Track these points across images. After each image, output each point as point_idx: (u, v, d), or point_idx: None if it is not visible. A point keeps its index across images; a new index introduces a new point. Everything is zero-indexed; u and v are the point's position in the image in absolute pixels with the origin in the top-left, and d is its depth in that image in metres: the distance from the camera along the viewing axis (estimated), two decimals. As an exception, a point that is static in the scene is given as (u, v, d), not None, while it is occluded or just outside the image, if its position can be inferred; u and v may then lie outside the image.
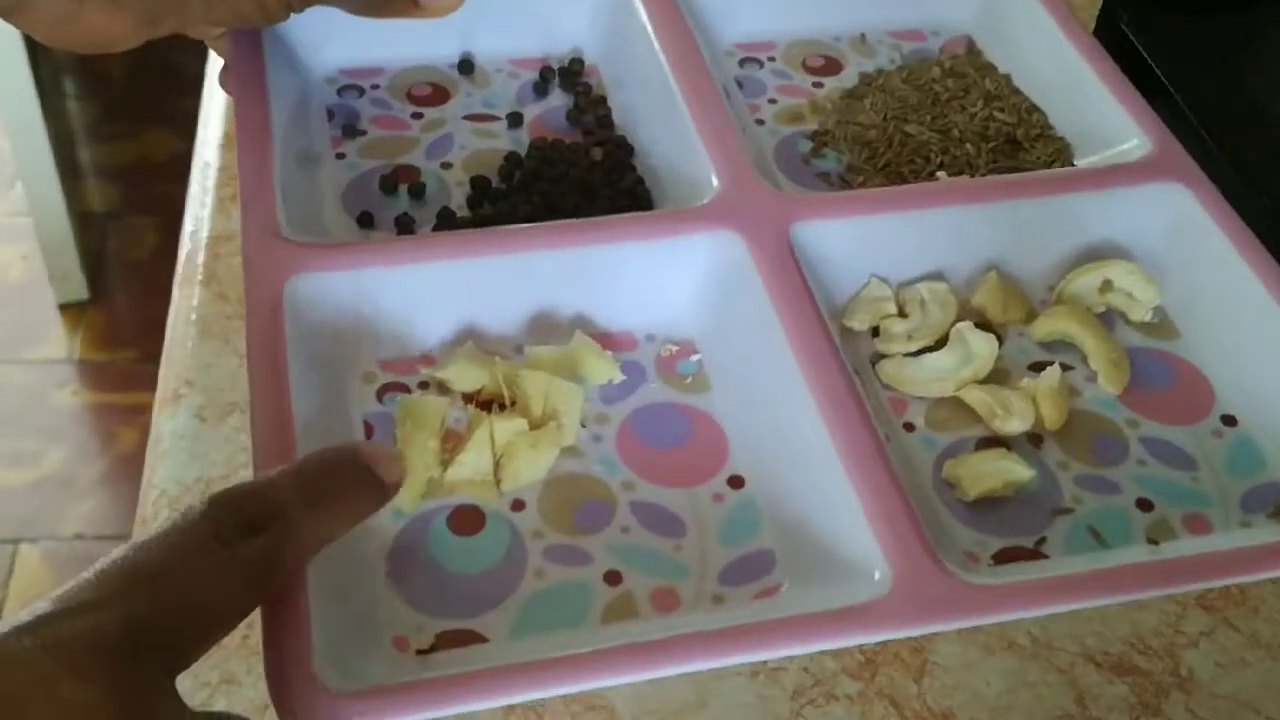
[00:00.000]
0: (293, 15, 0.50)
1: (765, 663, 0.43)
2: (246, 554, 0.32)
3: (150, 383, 0.52)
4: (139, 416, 1.44)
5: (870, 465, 0.40)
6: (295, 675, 0.34)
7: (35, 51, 1.29)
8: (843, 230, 0.48)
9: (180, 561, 0.31)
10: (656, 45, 0.55)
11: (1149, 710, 0.44)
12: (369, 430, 0.44)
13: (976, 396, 0.45)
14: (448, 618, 0.39)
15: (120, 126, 1.60)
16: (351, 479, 0.36)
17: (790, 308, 0.45)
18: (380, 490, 0.36)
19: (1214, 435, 0.46)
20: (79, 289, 1.45)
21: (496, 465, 0.42)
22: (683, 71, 0.53)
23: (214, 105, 0.57)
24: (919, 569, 0.38)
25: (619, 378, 0.45)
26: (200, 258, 0.52)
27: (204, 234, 0.53)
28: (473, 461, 0.42)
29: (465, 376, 0.44)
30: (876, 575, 0.38)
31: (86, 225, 1.48)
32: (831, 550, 0.40)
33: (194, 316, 0.51)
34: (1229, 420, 0.46)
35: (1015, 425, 0.44)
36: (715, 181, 0.49)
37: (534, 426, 0.43)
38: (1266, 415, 0.46)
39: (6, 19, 0.44)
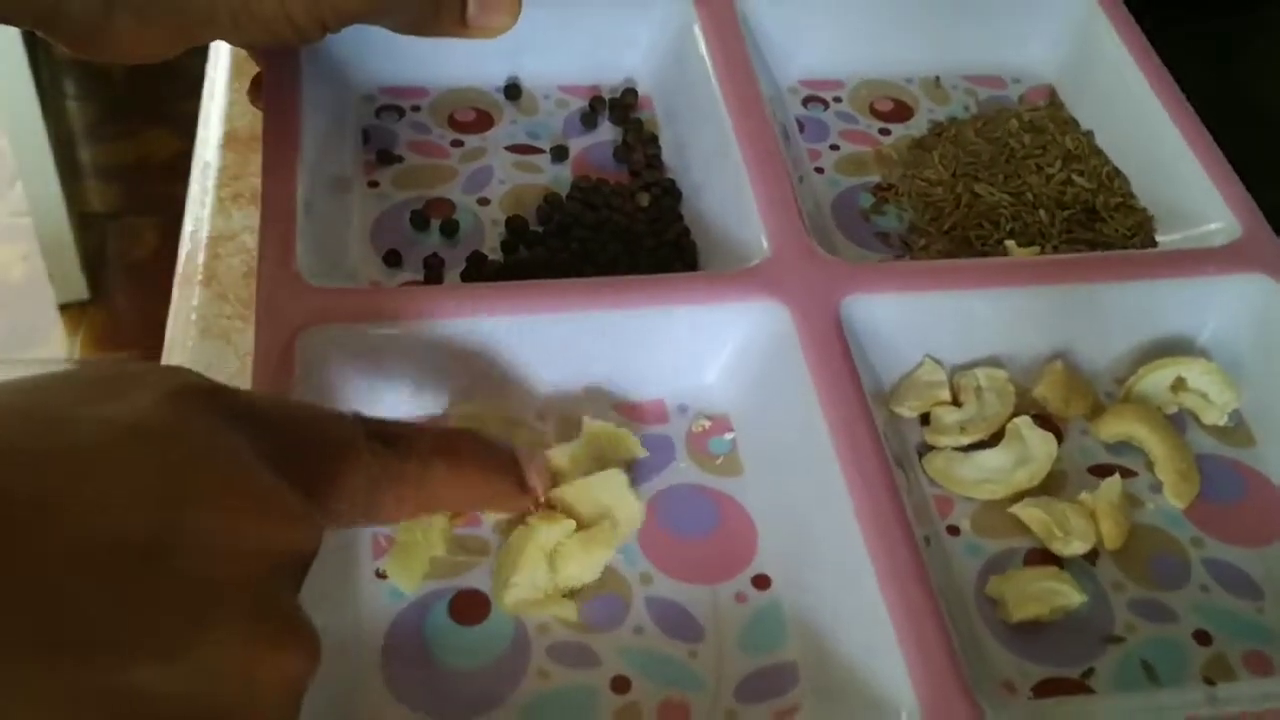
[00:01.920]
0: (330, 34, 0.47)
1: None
2: (374, 458, 0.31)
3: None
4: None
5: (904, 576, 0.37)
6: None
7: (35, 51, 1.28)
8: (898, 305, 0.45)
9: (314, 416, 0.31)
10: (714, 81, 0.52)
11: None
12: (375, 497, 0.41)
13: (1033, 514, 0.41)
14: (440, 716, 0.36)
15: (120, 126, 1.59)
16: (498, 466, 0.35)
17: (833, 391, 0.41)
18: (519, 492, 0.35)
19: (1287, 562, 0.42)
20: (79, 289, 1.44)
21: (555, 568, 0.39)
22: (740, 113, 0.50)
23: (214, 105, 0.55)
24: (950, 710, 0.35)
25: (642, 453, 0.42)
26: (200, 258, 0.50)
27: (204, 234, 0.51)
28: (528, 580, 0.39)
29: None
30: (904, 716, 0.35)
31: (86, 225, 1.47)
32: (858, 669, 0.37)
33: (194, 316, 0.49)
34: (1305, 545, 0.43)
35: (1076, 547, 0.41)
36: (765, 243, 0.46)
37: (583, 527, 0.40)
38: (1346, 544, 0.42)
39: (38, 30, 0.43)
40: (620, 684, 0.37)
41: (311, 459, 0.29)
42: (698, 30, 0.54)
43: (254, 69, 0.50)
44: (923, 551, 0.38)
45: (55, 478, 0.23)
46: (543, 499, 0.38)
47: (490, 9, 0.50)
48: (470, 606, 0.39)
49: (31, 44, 1.26)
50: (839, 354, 0.43)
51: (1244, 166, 0.51)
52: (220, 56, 0.57)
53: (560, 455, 0.41)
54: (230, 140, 0.55)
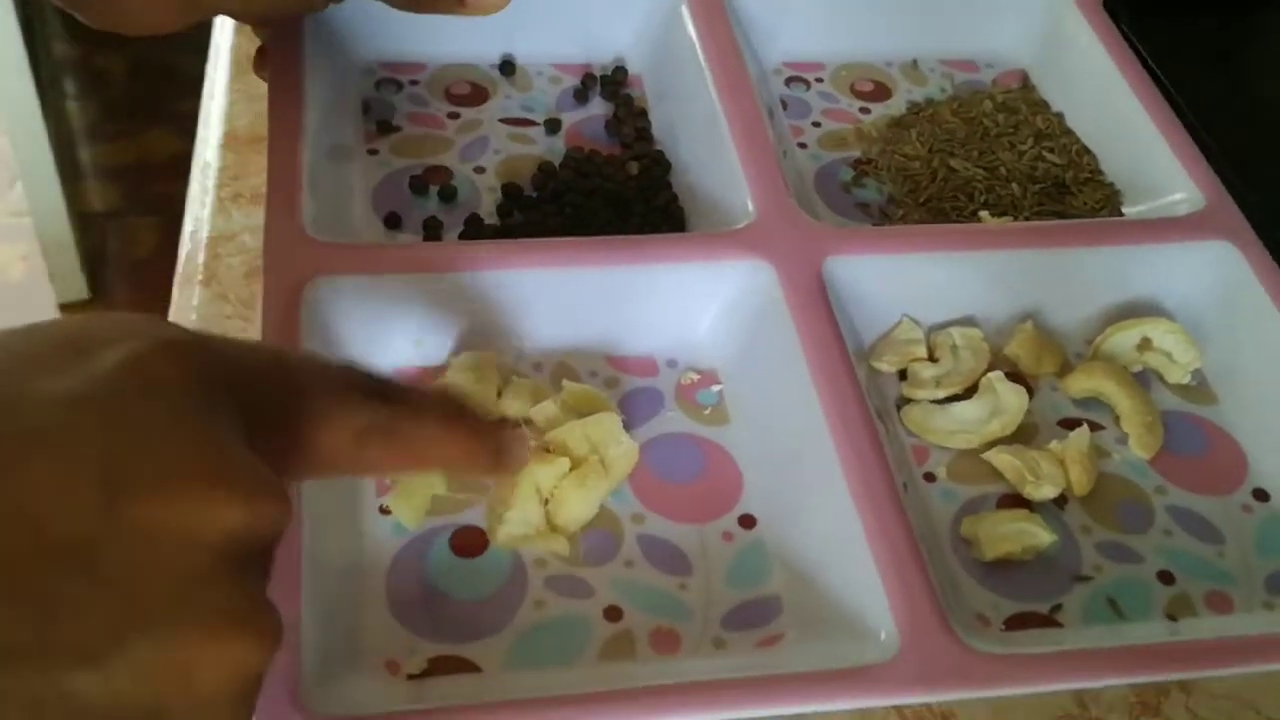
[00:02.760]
0: (334, 5, 0.49)
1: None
2: (363, 410, 0.29)
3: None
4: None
5: (886, 517, 0.39)
6: (282, 698, 0.33)
7: (35, 51, 1.28)
8: (877, 267, 0.47)
9: (300, 364, 0.29)
10: (702, 60, 0.54)
11: (1149, 710, 0.42)
12: (378, 440, 0.43)
13: (1005, 460, 0.43)
14: (442, 642, 0.38)
15: (120, 126, 1.58)
16: (483, 433, 0.32)
17: (817, 345, 0.43)
18: (498, 461, 0.32)
19: (1243, 510, 0.44)
20: (79, 289, 1.43)
21: (547, 511, 0.41)
22: (727, 89, 0.52)
23: (214, 105, 0.56)
24: (927, 633, 0.37)
25: (619, 415, 0.44)
26: (200, 258, 0.51)
27: (204, 234, 0.52)
28: (520, 517, 0.40)
29: (473, 396, 0.43)
30: (883, 635, 0.37)
31: (86, 225, 1.46)
32: (840, 601, 0.39)
33: (194, 316, 0.50)
34: (1261, 495, 0.45)
35: (1046, 491, 0.43)
36: (751, 207, 0.48)
37: (576, 465, 0.42)
38: (1301, 493, 0.44)
39: (64, 5, 0.44)
40: (613, 613, 0.39)
41: (294, 409, 0.28)
42: (685, 12, 0.56)
43: (253, 69, 0.52)
44: (901, 496, 0.40)
45: None
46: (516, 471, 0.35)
47: (487, -14, 0.52)
48: (470, 541, 0.41)
49: (31, 44, 1.26)
50: (822, 311, 0.45)
51: (1244, 166, 0.52)
52: (220, 56, 0.59)
53: (540, 412, 0.42)
54: (230, 140, 0.56)
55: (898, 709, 0.38)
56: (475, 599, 0.39)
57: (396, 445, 0.30)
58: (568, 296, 0.46)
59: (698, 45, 0.55)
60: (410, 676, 0.37)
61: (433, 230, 0.49)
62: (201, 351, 0.26)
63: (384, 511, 0.41)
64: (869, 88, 0.59)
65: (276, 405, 0.27)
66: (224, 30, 0.55)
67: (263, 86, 0.49)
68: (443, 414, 0.31)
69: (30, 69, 1.27)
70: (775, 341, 0.45)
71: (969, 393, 0.46)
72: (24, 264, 1.44)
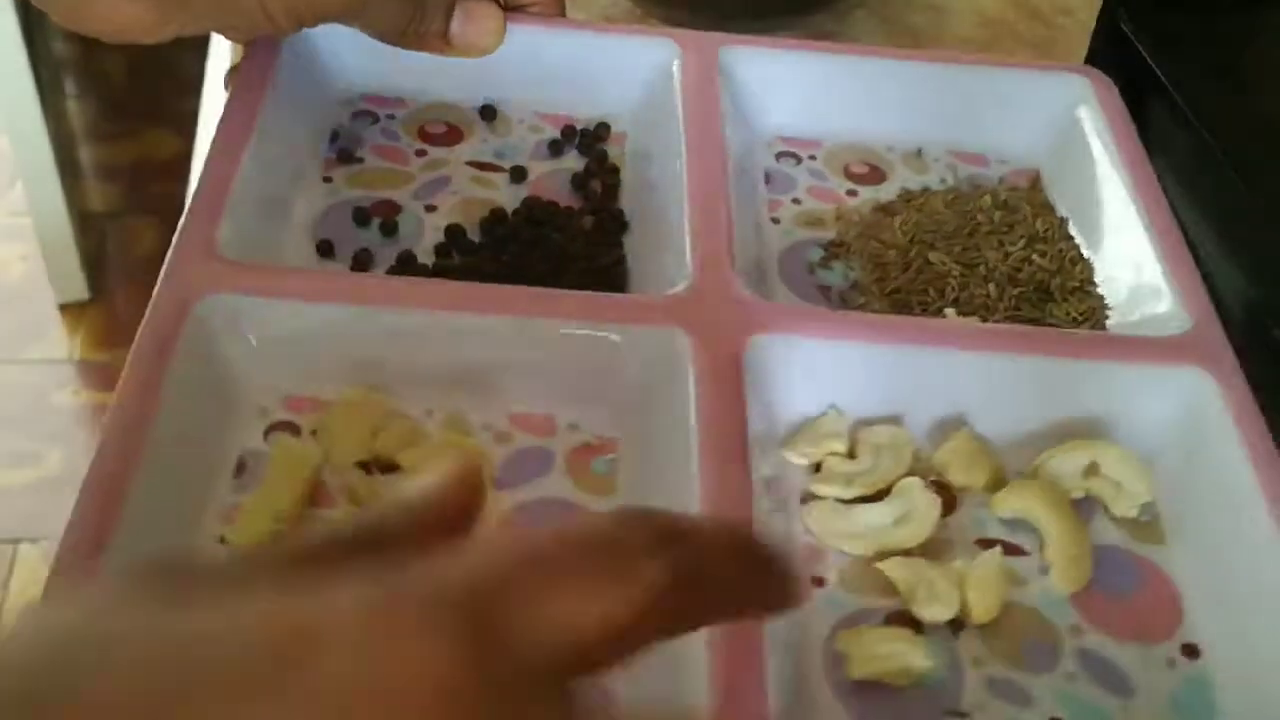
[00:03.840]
0: (323, 30, 0.49)
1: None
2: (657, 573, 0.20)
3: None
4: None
5: (737, 632, 0.36)
6: None
7: (35, 51, 1.29)
8: (808, 351, 0.44)
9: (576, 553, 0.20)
10: (681, 124, 0.52)
11: None
12: (241, 467, 0.41)
13: (898, 571, 0.40)
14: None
15: (120, 126, 1.62)
16: (776, 569, 0.24)
17: (712, 426, 0.41)
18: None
19: (1167, 664, 0.40)
20: (79, 289, 1.44)
21: None
22: (697, 156, 0.50)
23: (214, 105, 0.57)
24: (744, 746, 0.33)
25: (492, 473, 0.42)
26: None
27: None
28: None
29: (342, 433, 0.41)
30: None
31: (86, 225, 1.47)
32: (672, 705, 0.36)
33: None
34: (1190, 651, 0.40)
35: (936, 612, 0.39)
36: (688, 276, 0.45)
37: None
38: (1234, 658, 0.40)
39: None
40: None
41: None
42: (676, 74, 0.54)
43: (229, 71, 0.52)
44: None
45: None
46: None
47: (474, 29, 0.51)
48: (303, 582, 0.38)
49: (31, 44, 1.28)
50: (732, 390, 0.42)
51: (1244, 166, 0.50)
52: (220, 57, 0.59)
53: (408, 457, 0.40)
54: None
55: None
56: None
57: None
58: (470, 343, 0.44)
59: (680, 109, 0.53)
60: None
61: (361, 263, 0.48)
62: (477, 626, 0.18)
63: (220, 541, 0.39)
64: (864, 170, 0.56)
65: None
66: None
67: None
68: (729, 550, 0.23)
69: (30, 69, 1.29)
70: (675, 417, 0.42)
71: (882, 496, 0.42)
72: (24, 264, 1.47)
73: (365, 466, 0.42)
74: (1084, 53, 0.63)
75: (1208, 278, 0.51)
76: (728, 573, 0.23)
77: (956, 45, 0.72)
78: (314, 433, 0.42)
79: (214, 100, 0.57)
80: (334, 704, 0.15)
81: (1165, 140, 0.55)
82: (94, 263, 1.45)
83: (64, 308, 1.45)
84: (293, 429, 0.43)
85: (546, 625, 0.19)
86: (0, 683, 0.15)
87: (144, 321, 0.41)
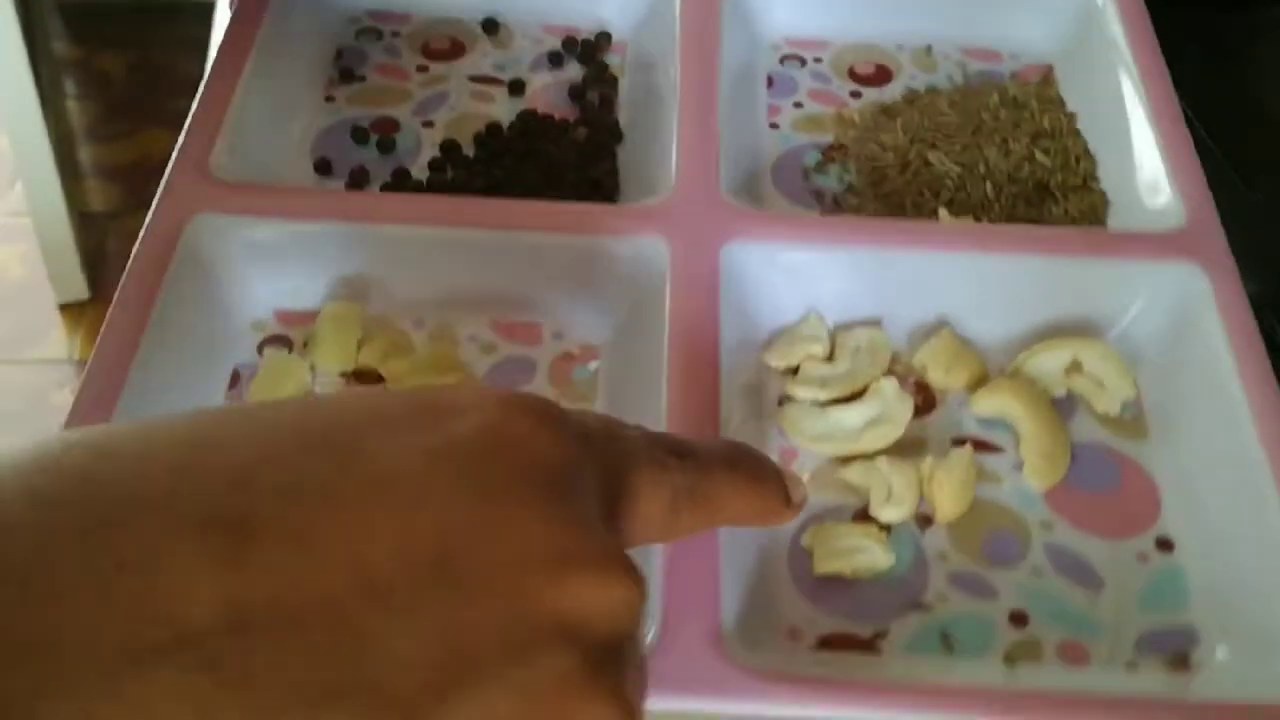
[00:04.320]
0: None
1: None
2: (673, 474, 0.26)
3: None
4: (135, 421, 1.46)
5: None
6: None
7: (35, 51, 1.27)
8: (784, 257, 0.44)
9: (620, 433, 0.26)
10: (678, 30, 0.52)
11: None
12: (234, 379, 0.43)
13: (855, 474, 0.40)
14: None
15: (120, 126, 1.59)
16: (766, 478, 0.29)
17: (685, 333, 0.41)
18: (784, 506, 0.30)
19: (1139, 558, 0.40)
20: (79, 289, 1.42)
21: None
22: (691, 61, 0.50)
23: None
24: (695, 641, 0.34)
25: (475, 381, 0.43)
26: None
27: None
28: None
29: (328, 346, 0.43)
30: (649, 633, 0.35)
31: (86, 225, 1.44)
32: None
33: None
34: (1164, 544, 0.40)
35: (891, 514, 0.39)
36: (672, 183, 0.46)
37: None
38: (1209, 550, 0.39)
39: None
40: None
41: (624, 482, 0.25)
42: (678, -21, 0.54)
43: None
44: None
45: (316, 510, 0.20)
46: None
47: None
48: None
49: (31, 44, 1.26)
50: (707, 297, 0.42)
51: (1244, 166, 0.50)
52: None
53: (390, 366, 0.42)
54: None
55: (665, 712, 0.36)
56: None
57: (701, 507, 0.27)
58: (457, 255, 0.45)
59: (678, 14, 0.52)
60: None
61: (357, 180, 0.49)
62: (562, 420, 0.24)
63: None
64: (870, 70, 0.55)
65: (613, 477, 0.25)
66: (224, 30, 0.57)
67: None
68: (727, 463, 0.28)
69: (30, 69, 1.27)
70: (651, 324, 0.43)
71: (859, 397, 0.43)
72: (24, 264, 1.47)
73: (354, 376, 0.43)
74: None
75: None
76: (729, 480, 0.28)
77: None
78: (305, 345, 0.44)
79: None
80: (469, 445, 0.22)
81: None
82: (94, 263, 1.45)
83: (64, 308, 1.44)
84: (285, 342, 0.44)
85: (629, 482, 0.25)
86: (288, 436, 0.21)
87: (139, 241, 0.43)
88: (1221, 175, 0.48)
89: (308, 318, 0.45)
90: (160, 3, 1.59)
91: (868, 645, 0.37)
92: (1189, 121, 0.49)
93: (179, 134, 0.46)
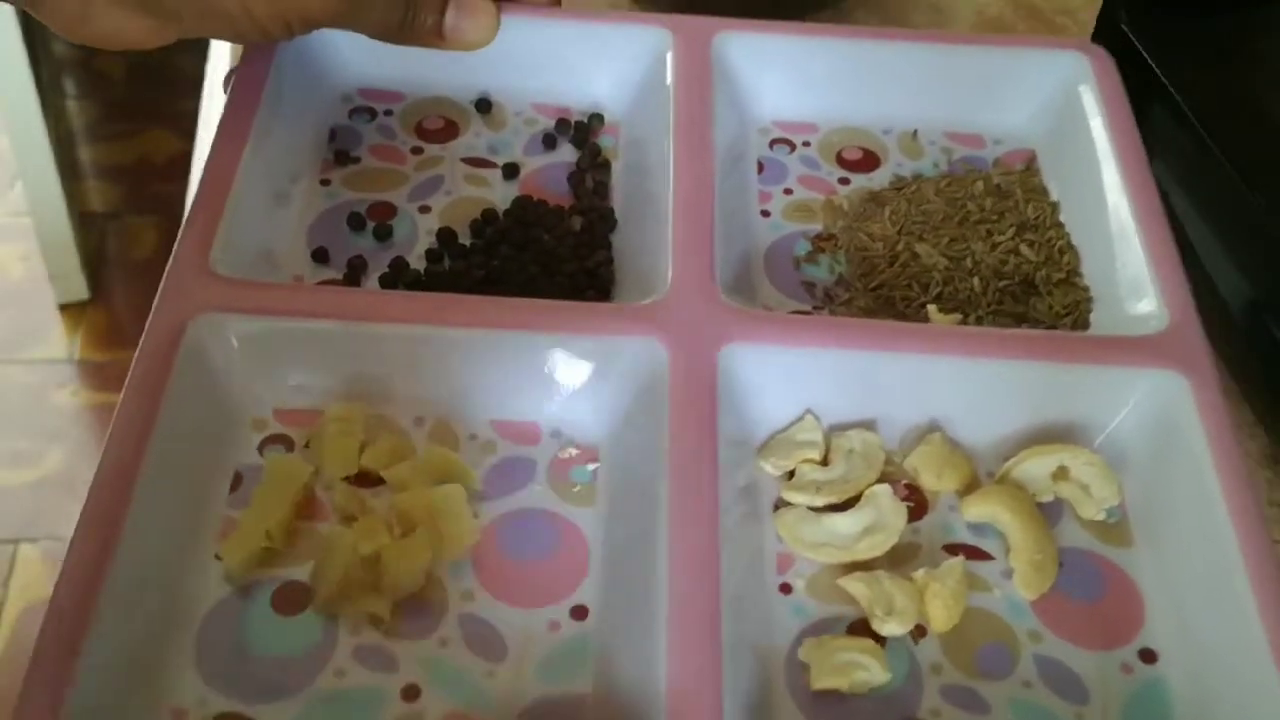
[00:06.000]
0: (313, 32, 0.50)
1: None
2: None
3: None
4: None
5: (697, 636, 0.38)
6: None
7: (35, 51, 1.28)
8: (780, 359, 0.45)
9: None
10: (671, 115, 0.53)
11: None
12: (237, 481, 0.43)
13: (859, 589, 0.41)
14: (234, 699, 0.38)
15: (120, 126, 1.60)
16: None
17: (684, 435, 0.42)
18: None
19: (1123, 670, 0.41)
20: (79, 289, 1.43)
21: (376, 573, 0.41)
22: (686, 149, 0.51)
23: (214, 105, 0.58)
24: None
25: (475, 484, 0.43)
26: None
27: None
28: (337, 579, 0.40)
29: (331, 449, 0.43)
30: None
31: (86, 225, 1.46)
32: (636, 708, 0.38)
33: None
34: (1148, 656, 0.41)
35: (893, 628, 0.41)
36: (667, 283, 0.46)
37: (403, 534, 0.42)
38: (1193, 661, 0.41)
39: (29, 10, 0.45)
40: (411, 692, 0.39)
41: None
42: (669, 61, 0.55)
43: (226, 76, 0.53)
44: (722, 611, 0.38)
45: None
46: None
47: (469, 24, 0.52)
48: (292, 597, 0.41)
49: (31, 44, 1.27)
50: (705, 399, 0.43)
51: (1244, 166, 0.51)
52: (220, 57, 0.60)
53: (395, 473, 0.42)
54: None
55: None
56: (280, 657, 0.39)
57: None
58: (457, 354, 0.45)
59: (672, 99, 0.53)
60: (192, 730, 0.38)
61: (355, 270, 0.49)
62: None
63: (217, 558, 0.41)
64: (857, 156, 0.56)
65: None
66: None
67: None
68: None
69: (30, 69, 1.28)
70: (649, 426, 0.43)
71: (854, 503, 0.44)
72: (24, 264, 1.47)
73: (357, 479, 0.43)
74: None
75: (1207, 278, 0.51)
76: None
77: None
78: (306, 445, 0.44)
79: (214, 100, 0.58)
80: None
81: (1165, 140, 0.55)
82: (94, 263, 1.45)
83: (64, 308, 1.45)
84: (286, 442, 0.45)
85: None
86: None
87: (142, 340, 0.43)
88: (1222, 177, 0.49)
89: (307, 416, 0.45)
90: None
91: (865, 761, 0.38)
92: (1189, 124, 0.50)
93: (179, 134, 0.47)
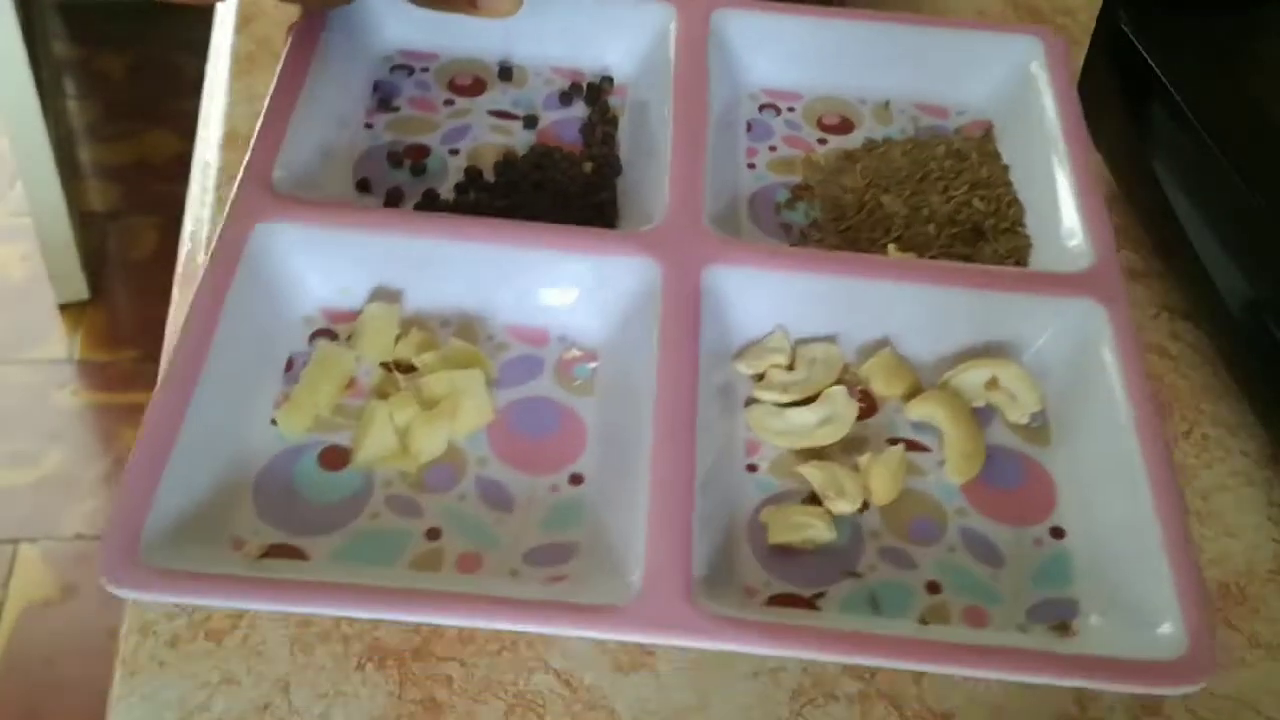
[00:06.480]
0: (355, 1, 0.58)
1: (766, 663, 0.46)
2: None
3: (150, 382, 0.54)
4: (139, 416, 1.47)
5: (674, 497, 0.45)
6: (119, 544, 0.42)
7: (35, 51, 1.29)
8: (757, 280, 0.53)
9: None
10: (671, 79, 0.60)
11: (1149, 711, 0.46)
12: (290, 365, 0.51)
13: (814, 473, 0.48)
14: (285, 532, 0.46)
15: (120, 126, 1.59)
16: None
17: (671, 340, 0.50)
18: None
19: (1035, 543, 0.48)
20: (79, 289, 1.43)
21: (406, 439, 0.48)
22: (684, 106, 0.59)
23: (214, 105, 0.64)
24: (666, 591, 0.43)
25: (493, 373, 0.51)
26: (200, 258, 0.58)
27: (204, 234, 0.59)
28: (375, 444, 0.48)
29: (370, 339, 0.51)
30: (634, 576, 0.43)
31: (86, 225, 1.46)
32: (619, 549, 0.45)
33: None
34: (1057, 532, 0.49)
35: (843, 507, 0.48)
36: (663, 214, 0.54)
37: (429, 407, 0.49)
38: (1094, 540, 0.48)
39: None
40: (433, 534, 0.46)
41: None
42: (672, 34, 0.62)
43: (253, 69, 0.60)
44: (696, 480, 0.46)
45: None
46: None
47: (497, -5, 0.60)
48: (336, 457, 0.48)
49: (31, 44, 1.27)
50: (690, 311, 0.51)
51: (1244, 166, 0.52)
52: (220, 56, 0.68)
53: (423, 359, 0.50)
54: (230, 140, 0.63)
55: (641, 646, 0.44)
56: (324, 504, 0.47)
57: None
58: (481, 268, 0.53)
59: (673, 65, 0.61)
60: (248, 555, 0.45)
61: (393, 199, 0.57)
62: None
63: (272, 423, 0.49)
64: (835, 121, 0.64)
65: None
66: (224, 30, 0.63)
67: (263, 86, 0.58)
68: None
69: (30, 69, 1.28)
70: (643, 333, 0.51)
71: (812, 401, 0.51)
72: (24, 264, 1.45)
73: (389, 366, 0.51)
74: (1083, 52, 0.66)
75: (1207, 278, 0.55)
76: None
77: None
78: (349, 338, 0.52)
79: (215, 100, 0.64)
80: None
81: (1165, 140, 0.58)
82: (94, 263, 1.43)
83: (64, 308, 1.46)
84: (331, 335, 0.52)
85: None
86: None
87: (213, 245, 0.50)
88: (1222, 177, 0.50)
89: (350, 315, 0.53)
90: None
91: (809, 604, 0.46)
92: (1189, 124, 0.52)
93: (179, 134, 0.54)
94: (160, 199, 1.65)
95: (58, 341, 1.50)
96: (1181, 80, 0.56)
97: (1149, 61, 0.59)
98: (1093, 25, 0.65)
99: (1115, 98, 0.63)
